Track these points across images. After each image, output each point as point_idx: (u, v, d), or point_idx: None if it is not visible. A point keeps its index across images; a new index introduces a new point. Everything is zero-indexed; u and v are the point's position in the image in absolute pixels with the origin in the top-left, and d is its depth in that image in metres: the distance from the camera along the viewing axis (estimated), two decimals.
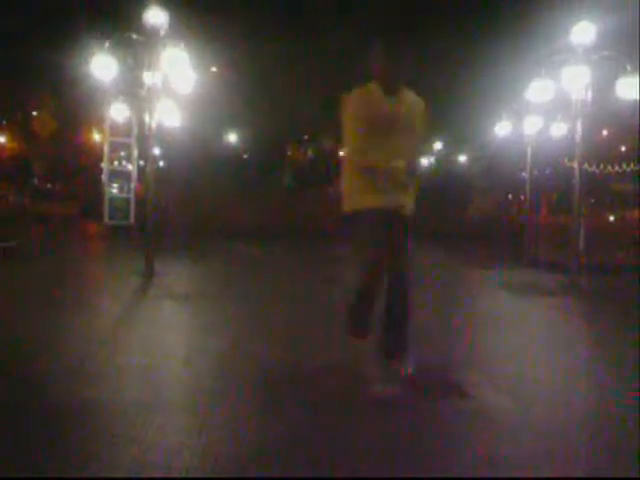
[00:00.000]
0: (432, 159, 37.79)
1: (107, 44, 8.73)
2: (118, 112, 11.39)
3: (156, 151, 14.62)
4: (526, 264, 12.05)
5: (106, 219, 16.92)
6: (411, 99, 3.95)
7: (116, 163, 17.30)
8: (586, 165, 12.18)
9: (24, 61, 25.86)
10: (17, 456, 2.76)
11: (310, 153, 33.48)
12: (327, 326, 5.92)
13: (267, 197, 21.06)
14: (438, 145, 36.47)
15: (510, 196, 26.45)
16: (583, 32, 8.58)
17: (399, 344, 3.89)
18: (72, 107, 27.97)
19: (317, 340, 5.24)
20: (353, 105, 3.86)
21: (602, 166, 21.36)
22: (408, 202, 3.92)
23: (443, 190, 23.65)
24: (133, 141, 17.00)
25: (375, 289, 3.87)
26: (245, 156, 30.52)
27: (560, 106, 10.01)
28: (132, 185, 17.17)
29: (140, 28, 8.72)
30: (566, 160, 16.93)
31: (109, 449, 2.84)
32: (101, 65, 8.73)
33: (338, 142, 32.60)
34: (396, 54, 3.83)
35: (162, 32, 8.69)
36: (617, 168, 21.56)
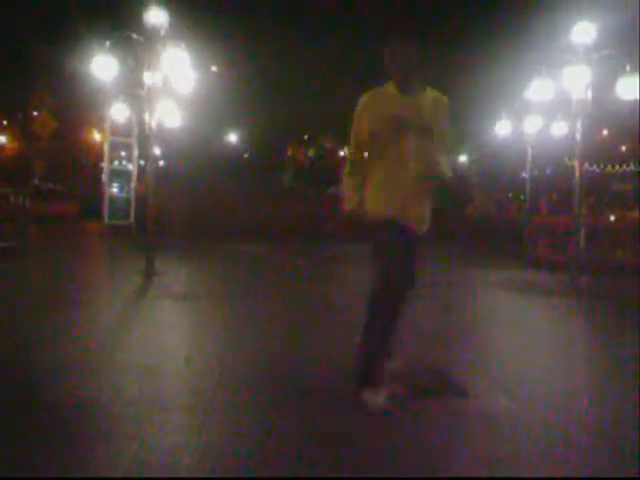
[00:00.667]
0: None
1: (107, 44, 8.73)
2: (118, 112, 11.37)
3: (156, 151, 14.61)
4: (526, 264, 12.05)
5: (106, 219, 16.92)
6: (430, 98, 3.71)
7: (116, 163, 17.32)
8: (586, 165, 12.17)
9: (24, 61, 25.88)
10: (17, 456, 2.76)
11: (311, 153, 33.49)
12: (327, 326, 5.93)
13: (267, 197, 21.04)
14: None
15: (510, 195, 26.48)
16: (584, 32, 8.58)
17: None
18: (73, 107, 27.97)
19: (318, 340, 5.24)
20: (362, 107, 3.73)
21: (602, 166, 21.37)
22: (418, 214, 3.74)
23: (443, 189, 23.55)
24: (133, 141, 17.01)
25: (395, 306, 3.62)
26: (245, 156, 30.51)
27: (560, 106, 10.01)
28: (132, 185, 17.18)
29: (140, 28, 8.72)
30: (566, 159, 16.95)
31: (109, 448, 2.85)
32: (101, 65, 8.73)
33: (338, 142, 32.68)
34: (412, 52, 3.63)
35: (162, 32, 8.70)
36: (617, 168, 21.57)
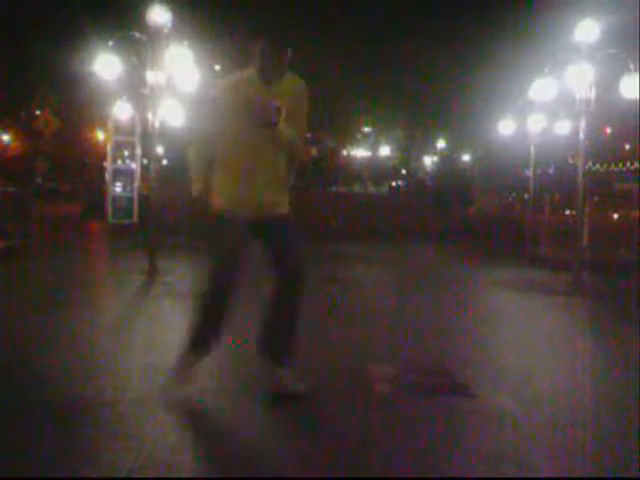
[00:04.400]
0: (435, 158, 37.83)
1: (111, 43, 8.74)
2: (122, 110, 11.39)
3: (159, 150, 14.60)
4: (529, 262, 12.02)
5: (109, 218, 16.92)
6: (291, 85, 3.56)
7: (119, 162, 17.31)
8: (590, 163, 12.15)
9: (27, 59, 25.92)
10: (18, 456, 2.76)
11: (313, 152, 33.48)
12: (328, 324, 5.92)
13: None
14: (441, 144, 36.51)
15: (514, 194, 26.45)
16: (587, 30, 8.56)
17: (284, 355, 3.62)
18: (76, 106, 28.03)
19: (318, 338, 5.23)
20: (220, 92, 3.53)
21: (606, 165, 21.35)
22: (278, 200, 3.60)
23: (446, 188, 23.64)
24: (137, 140, 16.99)
25: (218, 302, 3.70)
26: None
27: (564, 104, 9.99)
28: (135, 184, 17.17)
29: (144, 26, 8.72)
30: (570, 158, 16.93)
31: (112, 447, 2.85)
32: (105, 64, 8.74)
33: (340, 141, 32.68)
34: (279, 44, 3.46)
35: (166, 30, 8.69)
36: (621, 166, 21.54)
